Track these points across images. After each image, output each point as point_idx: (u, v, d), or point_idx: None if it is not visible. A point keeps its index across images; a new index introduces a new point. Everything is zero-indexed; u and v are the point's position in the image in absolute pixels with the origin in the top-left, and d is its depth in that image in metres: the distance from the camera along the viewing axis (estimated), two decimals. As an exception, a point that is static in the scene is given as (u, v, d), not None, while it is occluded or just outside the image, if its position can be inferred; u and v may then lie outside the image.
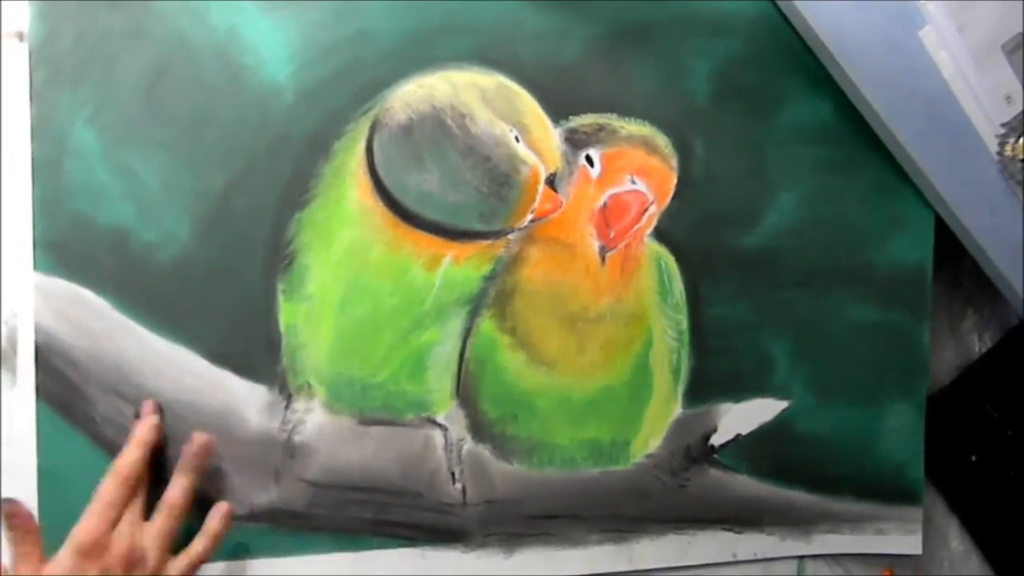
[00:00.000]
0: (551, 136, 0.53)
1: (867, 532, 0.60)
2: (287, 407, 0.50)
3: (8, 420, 0.47)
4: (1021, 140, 0.58)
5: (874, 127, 0.57)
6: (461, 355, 0.53)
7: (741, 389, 0.57)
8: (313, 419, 0.51)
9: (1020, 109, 0.58)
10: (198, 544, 0.47)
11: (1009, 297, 0.62)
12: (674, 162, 0.55)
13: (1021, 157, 0.58)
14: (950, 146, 0.58)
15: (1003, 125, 0.58)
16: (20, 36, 0.47)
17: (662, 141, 0.55)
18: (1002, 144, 0.58)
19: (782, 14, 0.56)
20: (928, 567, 0.64)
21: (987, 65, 0.57)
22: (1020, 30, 0.57)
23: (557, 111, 0.53)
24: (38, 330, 0.47)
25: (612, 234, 0.54)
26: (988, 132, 0.58)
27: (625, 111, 0.55)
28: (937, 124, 0.57)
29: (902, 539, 0.61)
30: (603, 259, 0.54)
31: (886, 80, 0.56)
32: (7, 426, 0.47)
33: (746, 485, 0.58)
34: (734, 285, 0.57)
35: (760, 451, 0.58)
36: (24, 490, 0.46)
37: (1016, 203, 0.59)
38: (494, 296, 0.53)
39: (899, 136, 0.57)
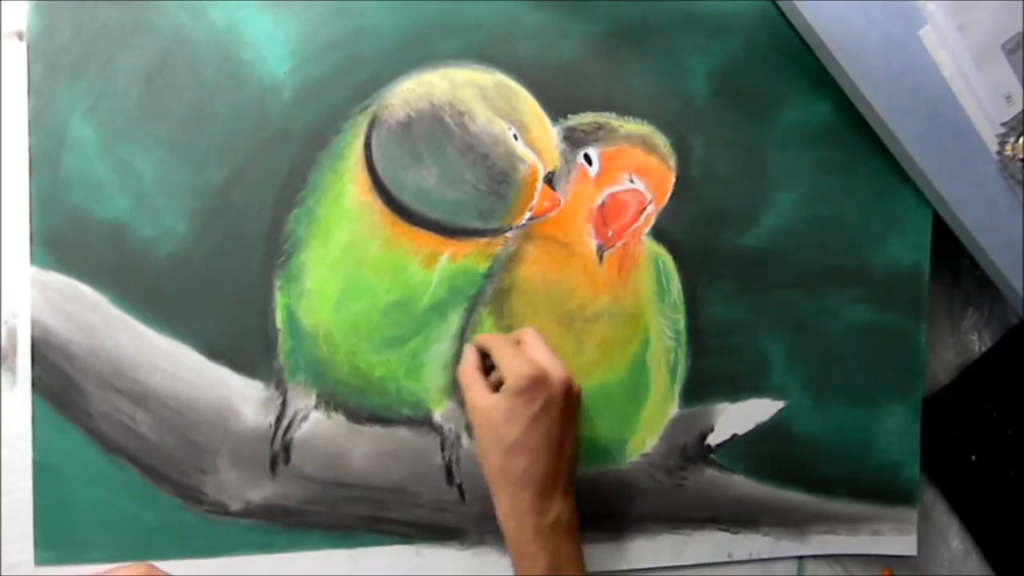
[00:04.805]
0: (550, 134, 0.53)
1: (863, 533, 0.60)
2: (283, 403, 0.50)
3: (8, 421, 0.47)
4: (1021, 140, 0.58)
5: (874, 127, 0.57)
6: (458, 353, 0.53)
7: (738, 389, 0.57)
8: (309, 416, 0.51)
9: (1020, 109, 0.58)
10: None
11: (1009, 297, 0.61)
12: (672, 161, 0.55)
13: (1021, 157, 0.58)
14: (950, 146, 0.58)
15: (1003, 125, 0.58)
16: (20, 35, 0.47)
17: (661, 140, 0.55)
18: (1002, 144, 0.58)
19: (782, 14, 0.56)
20: (928, 567, 0.64)
21: (987, 65, 0.56)
22: (1020, 30, 0.57)
23: (556, 109, 0.53)
24: (35, 324, 0.47)
25: (610, 233, 0.54)
26: (988, 132, 0.58)
27: (624, 110, 0.54)
28: (937, 124, 0.57)
29: (898, 540, 0.61)
30: (601, 258, 0.54)
31: (886, 80, 0.56)
32: (7, 426, 0.47)
33: (742, 485, 0.58)
34: (732, 285, 0.57)
35: (756, 451, 0.58)
36: (20, 485, 0.47)
37: (1016, 203, 0.59)
38: (491, 294, 0.53)
39: (899, 136, 0.56)
